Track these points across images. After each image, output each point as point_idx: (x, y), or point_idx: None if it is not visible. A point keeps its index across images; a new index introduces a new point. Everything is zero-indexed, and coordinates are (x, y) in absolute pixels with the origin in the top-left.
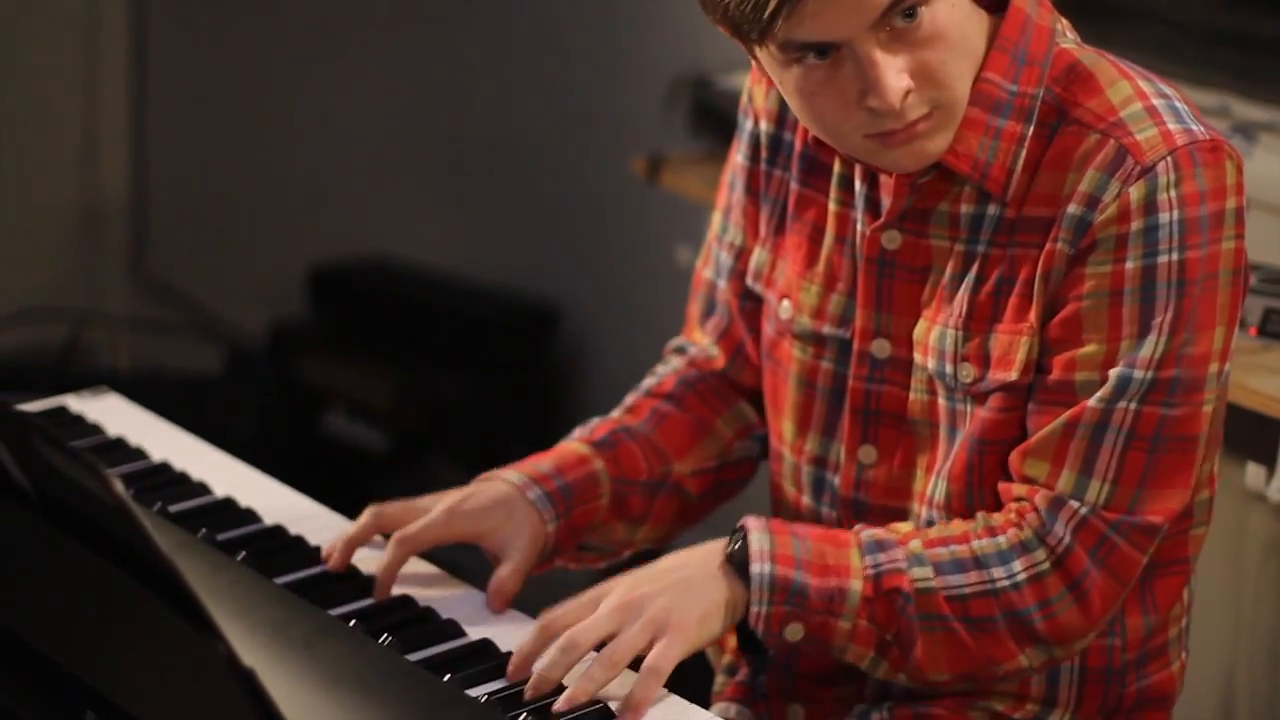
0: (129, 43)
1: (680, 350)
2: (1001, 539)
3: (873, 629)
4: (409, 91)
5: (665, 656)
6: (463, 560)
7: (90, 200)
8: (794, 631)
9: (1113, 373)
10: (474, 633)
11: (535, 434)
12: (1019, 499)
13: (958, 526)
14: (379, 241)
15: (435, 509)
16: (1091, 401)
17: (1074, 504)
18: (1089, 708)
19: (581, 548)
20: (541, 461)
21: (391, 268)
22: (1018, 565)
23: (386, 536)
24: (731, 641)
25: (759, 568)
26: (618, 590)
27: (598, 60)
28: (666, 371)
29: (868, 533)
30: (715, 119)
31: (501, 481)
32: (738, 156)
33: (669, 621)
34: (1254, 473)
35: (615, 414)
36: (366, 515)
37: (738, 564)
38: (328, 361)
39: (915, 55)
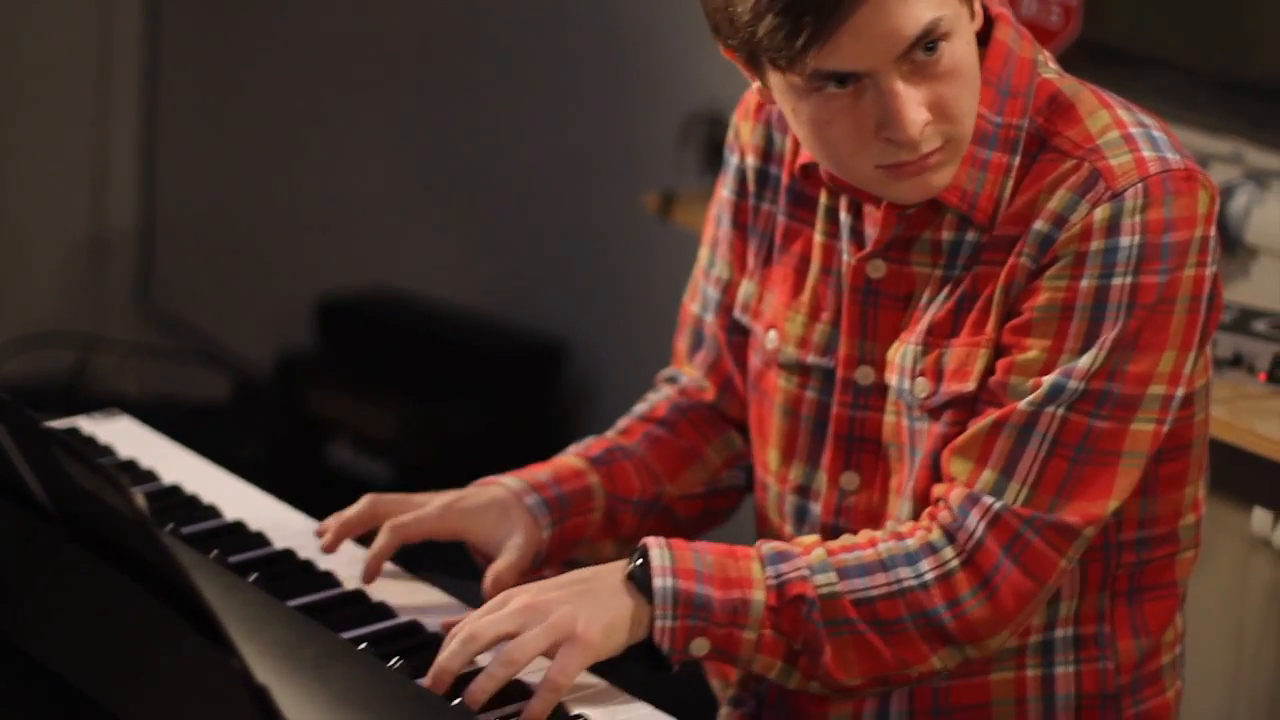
0: (140, 72)
1: (672, 379)
2: (909, 541)
3: (779, 639)
4: (418, 124)
5: (565, 669)
6: (473, 591)
7: (98, 228)
8: (699, 646)
9: (1046, 379)
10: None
11: None
12: (937, 499)
13: (863, 535)
14: (387, 273)
15: (431, 504)
16: (1021, 404)
17: (989, 499)
18: None
19: (568, 563)
20: (539, 471)
21: (399, 300)
22: (925, 565)
23: (398, 560)
24: (735, 674)
25: (661, 582)
26: (524, 594)
27: (610, 95)
28: (659, 398)
29: (769, 545)
30: None
31: (499, 486)
32: (724, 191)
33: (574, 629)
34: (1260, 518)
35: (609, 434)
36: (363, 502)
37: (639, 581)
38: (334, 393)
39: (933, 89)
